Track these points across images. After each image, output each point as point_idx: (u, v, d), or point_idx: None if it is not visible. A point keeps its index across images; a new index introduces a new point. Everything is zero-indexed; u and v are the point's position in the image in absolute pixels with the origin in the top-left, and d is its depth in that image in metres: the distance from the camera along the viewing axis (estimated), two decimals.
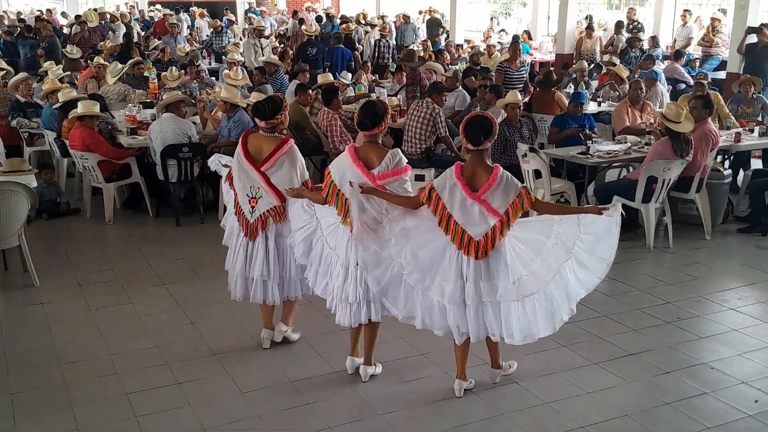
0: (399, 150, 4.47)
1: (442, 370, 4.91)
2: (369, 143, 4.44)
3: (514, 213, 4.17)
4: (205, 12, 22.39)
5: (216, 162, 5.34)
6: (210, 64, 15.50)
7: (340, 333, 5.08)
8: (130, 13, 22.82)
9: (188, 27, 21.00)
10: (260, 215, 4.89)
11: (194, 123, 8.61)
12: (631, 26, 15.17)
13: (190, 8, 23.22)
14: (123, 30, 17.88)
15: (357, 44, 16.72)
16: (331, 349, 5.18)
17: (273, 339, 5.23)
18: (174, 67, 11.12)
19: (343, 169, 4.44)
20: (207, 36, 18.91)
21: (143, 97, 10.72)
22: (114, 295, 6.17)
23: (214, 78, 12.98)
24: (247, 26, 20.34)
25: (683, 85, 12.90)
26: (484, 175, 4.19)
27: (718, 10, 16.05)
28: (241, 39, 17.30)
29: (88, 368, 4.97)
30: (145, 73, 11.95)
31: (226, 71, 11.15)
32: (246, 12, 24.50)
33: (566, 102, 9.09)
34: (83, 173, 8.19)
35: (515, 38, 9.57)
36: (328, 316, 4.91)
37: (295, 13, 19.70)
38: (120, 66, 10.98)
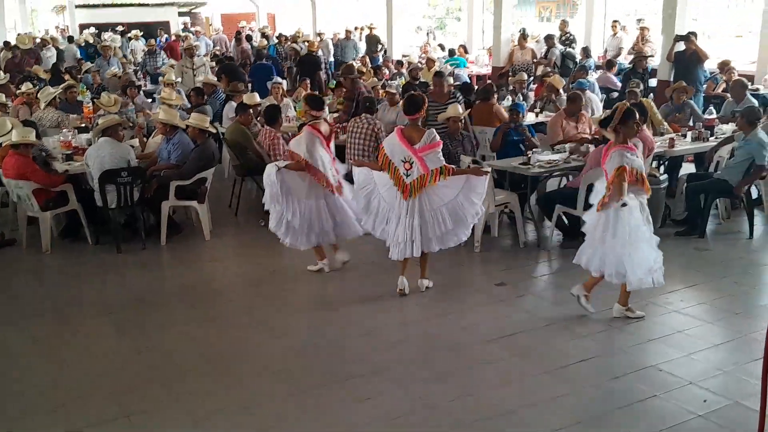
0: (434, 130, 6.13)
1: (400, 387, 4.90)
2: (411, 125, 6.10)
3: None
4: (139, 34, 22.09)
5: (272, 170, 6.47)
6: (145, 86, 15.25)
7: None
8: (61, 36, 22.36)
9: (120, 49, 20.65)
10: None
11: (132, 146, 8.45)
12: (563, 38, 15.51)
13: (116, 29, 22.90)
14: (54, 54, 17.47)
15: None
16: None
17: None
18: (106, 92, 10.89)
19: (393, 145, 6.07)
20: (141, 58, 18.64)
21: (78, 122, 10.48)
22: (56, 327, 5.99)
23: (150, 100, 12.79)
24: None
25: (616, 94, 13.24)
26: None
27: (637, 20, 16.53)
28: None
29: (32, 403, 4.80)
30: (79, 98, 11.71)
31: (163, 93, 10.99)
32: (174, 34, 24.25)
33: (505, 114, 9.22)
34: (17, 203, 7.93)
35: (438, 73, 9.50)
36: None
37: (238, 34, 19.58)
38: (51, 90, 10.70)
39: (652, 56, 12.29)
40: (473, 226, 6.62)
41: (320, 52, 17.28)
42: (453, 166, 6.29)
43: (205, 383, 5.02)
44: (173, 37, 18.83)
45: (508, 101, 10.82)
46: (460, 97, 9.37)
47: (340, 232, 6.81)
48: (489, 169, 6.52)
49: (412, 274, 6.41)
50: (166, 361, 5.36)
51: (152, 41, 18.94)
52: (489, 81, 14.42)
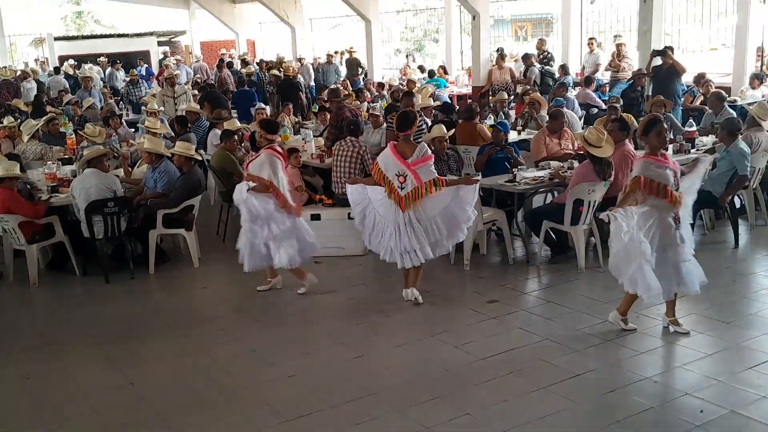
0: (425, 144, 6.66)
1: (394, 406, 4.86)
2: (404, 140, 6.39)
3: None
4: (119, 64, 22.06)
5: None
6: (127, 115, 15.21)
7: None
8: (42, 69, 22.30)
9: (102, 80, 20.62)
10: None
11: (117, 176, 8.41)
12: (541, 56, 15.65)
13: (98, 60, 22.86)
14: (35, 86, 17.41)
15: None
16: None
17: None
18: (89, 123, 10.83)
19: (387, 159, 6.35)
20: (122, 88, 18.62)
21: (61, 154, 10.43)
22: (45, 362, 5.88)
23: (133, 130, 12.75)
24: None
25: (596, 110, 13.36)
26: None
27: (614, 36, 16.70)
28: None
29: None
30: (62, 129, 11.65)
31: (147, 122, 10.96)
32: (160, 61, 24.25)
33: (488, 133, 9.26)
34: (3, 236, 7.84)
35: (409, 94, 9.60)
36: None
37: (220, 62, 19.64)
38: (33, 123, 10.65)
39: (645, 74, 12.28)
40: (463, 242, 7.03)
41: (300, 77, 17.35)
42: (445, 178, 6.56)
43: (199, 415, 4.95)
44: (164, 66, 18.88)
45: (490, 120, 10.89)
46: (425, 125, 9.53)
47: (302, 254, 6.86)
48: (479, 178, 6.91)
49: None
50: (159, 393, 5.29)
51: (134, 71, 18.90)
52: (470, 101, 14.53)
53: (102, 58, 22.75)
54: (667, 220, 5.51)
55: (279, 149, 6.90)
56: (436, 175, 6.37)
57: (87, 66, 21.45)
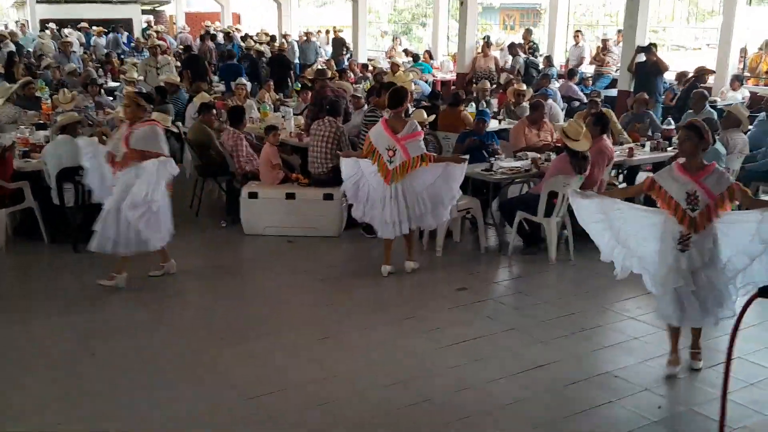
0: (415, 120, 6.84)
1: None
2: (395, 116, 6.64)
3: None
4: (103, 30, 21.77)
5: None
6: (106, 83, 15.01)
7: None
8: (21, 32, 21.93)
9: (81, 45, 20.34)
10: None
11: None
12: (527, 47, 15.66)
13: (78, 25, 22.53)
14: (13, 48, 17.11)
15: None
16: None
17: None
18: (65, 89, 10.68)
19: (378, 134, 6.57)
20: (103, 55, 18.38)
21: (35, 119, 10.28)
22: (9, 329, 5.82)
23: (111, 98, 12.59)
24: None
25: (577, 103, 13.39)
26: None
27: (602, 35, 16.76)
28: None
29: None
30: (37, 93, 11.47)
31: (125, 91, 10.82)
32: (143, 31, 23.94)
33: (471, 120, 9.27)
34: None
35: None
36: None
37: (206, 33, 19.40)
38: (8, 86, 10.49)
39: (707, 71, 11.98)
40: (437, 229, 7.27)
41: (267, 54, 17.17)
42: (433, 154, 6.82)
43: (159, 390, 4.94)
44: (147, 36, 18.65)
45: (471, 107, 10.87)
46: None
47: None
48: (467, 157, 6.96)
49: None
50: (120, 365, 5.26)
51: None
52: (453, 87, 14.52)
53: (83, 24, 22.41)
54: (673, 232, 4.90)
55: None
56: (425, 151, 6.62)
57: (67, 30, 21.17)
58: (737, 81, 12.78)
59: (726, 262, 4.89)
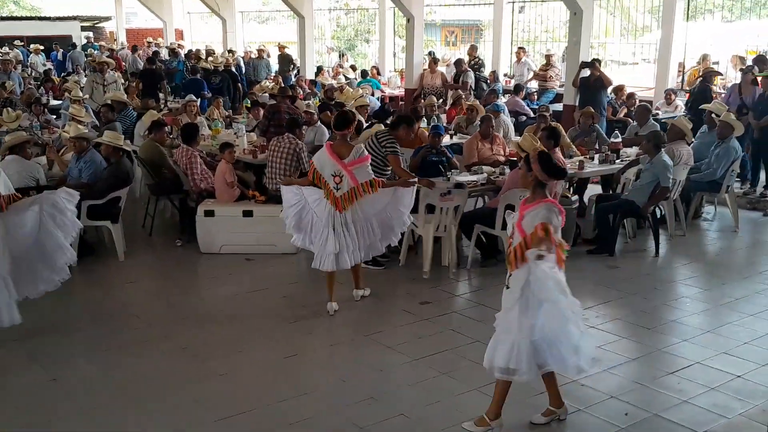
0: (362, 145, 6.48)
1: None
2: (341, 141, 6.25)
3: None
4: (40, 47, 21.29)
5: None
6: (48, 101, 14.65)
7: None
8: None
9: (19, 62, 19.83)
10: None
11: (39, 164, 8.11)
12: (472, 63, 15.88)
13: (13, 42, 22.01)
14: None
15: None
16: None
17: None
18: (9, 108, 10.40)
19: (323, 159, 6.20)
20: (40, 73, 17.97)
21: None
22: None
23: (54, 116, 12.30)
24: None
25: (524, 117, 13.66)
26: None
27: (546, 50, 17.15)
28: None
29: None
30: None
31: (72, 109, 10.59)
32: (84, 47, 23.49)
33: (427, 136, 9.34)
34: None
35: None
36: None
37: (155, 54, 19.10)
38: None
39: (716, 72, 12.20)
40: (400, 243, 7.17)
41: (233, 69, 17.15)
42: (382, 179, 6.47)
43: (126, 412, 4.83)
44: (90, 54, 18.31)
45: (423, 123, 10.96)
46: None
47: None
48: (416, 179, 6.73)
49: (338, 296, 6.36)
50: (85, 390, 5.14)
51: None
52: (402, 103, 14.64)
53: (17, 41, 21.88)
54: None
55: None
56: (373, 176, 6.29)
57: (4, 48, 20.63)
58: (672, 94, 13.18)
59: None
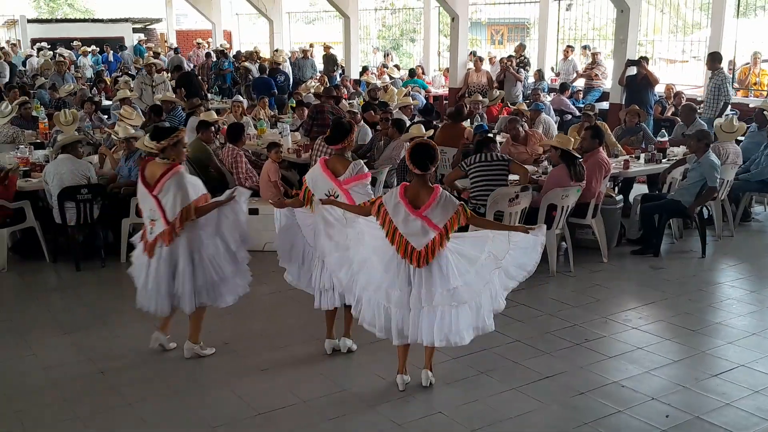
0: (361, 161, 5.38)
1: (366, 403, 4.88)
2: (336, 155, 5.29)
3: (451, 226, 4.72)
4: (88, 49, 21.80)
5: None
6: (101, 102, 14.99)
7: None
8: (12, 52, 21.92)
9: (72, 64, 20.35)
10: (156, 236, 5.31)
11: (91, 163, 8.32)
12: (518, 61, 15.78)
13: (72, 43, 22.57)
14: (7, 69, 17.13)
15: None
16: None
17: (162, 344, 5.65)
18: (67, 110, 10.69)
19: (315, 177, 5.23)
20: (90, 74, 18.43)
21: (33, 138, 10.28)
22: (14, 348, 5.80)
23: (106, 116, 12.59)
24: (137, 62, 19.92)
25: (569, 116, 13.52)
26: (426, 195, 4.73)
27: (588, 47, 16.95)
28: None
29: None
30: (34, 113, 11.48)
31: (121, 110, 10.83)
32: (136, 48, 23.99)
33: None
34: None
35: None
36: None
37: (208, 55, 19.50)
38: (9, 107, 10.50)
39: None
40: None
41: (287, 70, 17.41)
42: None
43: (169, 406, 4.95)
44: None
45: (465, 122, 10.94)
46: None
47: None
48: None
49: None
50: (130, 382, 5.26)
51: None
52: (446, 102, 14.62)
53: (76, 42, 22.43)
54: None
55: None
56: (373, 196, 5.20)
57: (58, 50, 21.20)
58: None
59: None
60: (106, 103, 14.89)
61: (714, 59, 11.73)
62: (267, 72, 16.47)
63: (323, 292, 5.36)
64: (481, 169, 7.29)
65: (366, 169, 5.29)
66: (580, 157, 7.48)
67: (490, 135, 7.49)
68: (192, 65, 21.01)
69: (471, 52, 16.75)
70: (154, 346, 5.62)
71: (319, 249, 5.24)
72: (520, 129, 9.20)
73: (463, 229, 5.00)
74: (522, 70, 15.69)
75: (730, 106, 12.52)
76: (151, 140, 5.32)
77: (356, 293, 5.00)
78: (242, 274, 5.56)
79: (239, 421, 4.72)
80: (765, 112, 9.54)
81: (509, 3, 24.70)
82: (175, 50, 22.85)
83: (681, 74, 17.57)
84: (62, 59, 17.10)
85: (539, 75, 15.80)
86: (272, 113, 12.92)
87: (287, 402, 4.92)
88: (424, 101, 14.77)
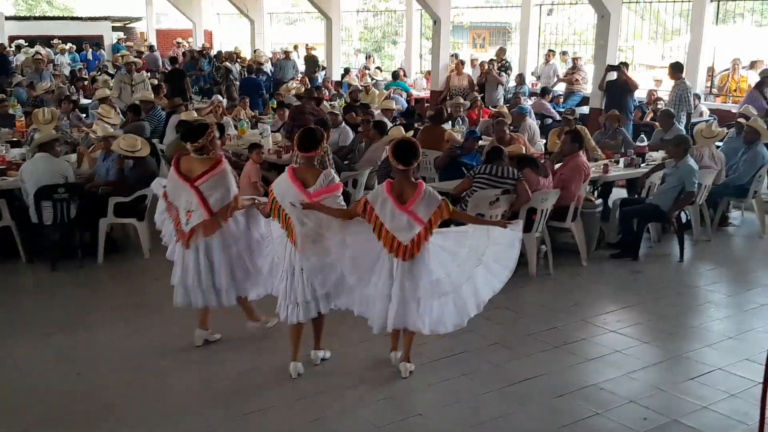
0: (332, 170, 5.16)
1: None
2: (305, 165, 5.04)
3: (435, 220, 4.88)
4: (66, 47, 21.61)
5: (157, 184, 5.89)
6: (79, 100, 14.86)
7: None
8: None
9: (50, 62, 20.15)
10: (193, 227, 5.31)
11: (69, 162, 8.24)
12: (500, 65, 15.86)
13: (52, 41, 22.37)
14: None
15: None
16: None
17: (207, 339, 5.76)
18: (45, 108, 10.58)
19: (283, 188, 4.96)
20: (68, 73, 18.26)
21: (9, 136, 10.16)
22: None
23: (84, 114, 12.48)
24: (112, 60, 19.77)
25: (550, 120, 13.59)
26: (411, 190, 4.87)
27: (567, 52, 17.10)
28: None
29: None
30: (11, 111, 11.36)
31: (99, 109, 10.73)
32: (115, 47, 23.82)
33: (457, 138, 9.36)
34: None
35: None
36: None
37: (152, 48, 19.35)
38: None
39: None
40: None
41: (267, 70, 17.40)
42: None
43: (147, 408, 4.91)
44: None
45: (447, 125, 10.97)
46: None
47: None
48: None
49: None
50: (109, 383, 5.22)
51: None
52: (428, 105, 14.65)
53: (55, 41, 22.23)
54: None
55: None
56: (345, 208, 5.09)
57: (36, 47, 20.98)
58: (696, 98, 13.00)
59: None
60: (84, 101, 14.77)
61: (675, 69, 11.94)
62: (255, 72, 16.45)
63: (295, 304, 5.04)
64: (485, 181, 7.21)
65: (337, 180, 5.03)
66: (533, 157, 7.73)
67: (500, 147, 7.43)
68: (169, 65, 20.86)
69: (453, 55, 16.81)
70: (199, 343, 5.70)
71: (298, 258, 4.98)
72: (507, 132, 9.22)
73: (445, 224, 5.16)
74: (503, 73, 15.80)
75: (708, 112, 12.70)
76: (186, 142, 5.38)
77: (341, 293, 5.12)
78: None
79: (217, 426, 4.69)
80: (739, 120, 9.66)
81: (491, 7, 24.86)
82: (150, 48, 22.72)
83: (662, 80, 17.71)
84: (40, 57, 16.91)
85: (520, 79, 15.89)
86: (253, 114, 12.86)
87: (265, 405, 4.90)
88: (406, 104, 14.79)
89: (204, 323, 5.74)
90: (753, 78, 13.16)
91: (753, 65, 13.99)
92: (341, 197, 5.06)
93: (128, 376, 5.33)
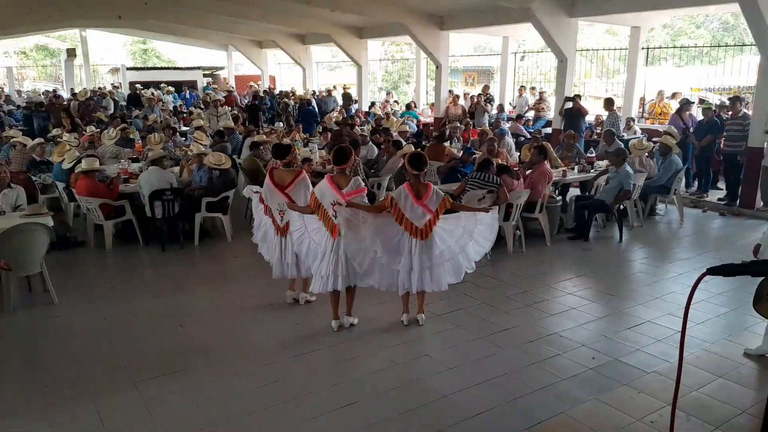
0: (359, 178, 5.20)
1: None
2: (339, 173, 5.09)
3: (441, 210, 5.07)
4: (170, 89, 21.73)
5: (248, 190, 5.98)
6: (180, 128, 14.97)
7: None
8: (116, 89, 21.88)
9: (159, 100, 20.29)
10: (287, 222, 5.48)
11: (173, 172, 8.31)
12: (484, 98, 15.71)
13: (160, 85, 22.52)
14: (112, 104, 17.10)
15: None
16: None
17: (295, 298, 5.80)
18: (156, 133, 10.67)
19: (323, 190, 5.07)
20: (171, 108, 18.38)
21: (131, 154, 10.27)
22: (118, 307, 5.83)
23: (183, 138, 12.56)
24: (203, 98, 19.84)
25: (522, 138, 13.43)
26: (424, 189, 5.07)
27: (536, 87, 16.87)
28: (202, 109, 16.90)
29: (101, 365, 4.67)
30: (131, 136, 11.48)
31: (195, 134, 10.81)
32: (205, 88, 23.93)
33: (455, 152, 9.33)
34: (87, 214, 7.72)
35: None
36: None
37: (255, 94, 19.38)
38: (114, 132, 10.52)
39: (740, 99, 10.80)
40: None
41: (313, 104, 17.37)
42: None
43: (231, 353, 4.94)
44: (207, 94, 18.85)
45: (448, 143, 10.90)
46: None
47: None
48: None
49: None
50: (203, 333, 5.27)
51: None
52: (432, 129, 14.56)
53: (163, 84, 22.38)
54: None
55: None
56: (369, 204, 5.20)
57: (150, 89, 21.15)
58: (632, 121, 12.80)
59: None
60: (183, 128, 14.87)
61: (608, 103, 11.91)
62: (310, 105, 16.48)
63: (320, 278, 5.07)
64: (476, 184, 7.19)
65: (363, 185, 5.09)
66: (509, 166, 7.67)
67: (490, 159, 7.37)
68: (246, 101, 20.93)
69: (450, 91, 16.69)
70: (289, 301, 5.79)
71: (342, 244, 4.99)
72: (495, 147, 9.21)
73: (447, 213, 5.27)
74: (488, 104, 15.65)
75: (640, 131, 12.50)
76: (277, 158, 5.65)
77: (374, 270, 5.09)
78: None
79: (291, 358, 4.71)
80: (666, 136, 9.49)
81: (479, 55, 24.59)
82: (230, 90, 22.79)
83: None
84: (151, 96, 17.03)
85: (500, 108, 15.72)
86: (305, 136, 12.87)
87: (315, 348, 4.92)
88: (416, 128, 14.72)
89: (292, 286, 5.84)
90: (674, 105, 12.93)
91: (674, 95, 13.77)
92: (366, 197, 5.16)
93: (217, 327, 5.38)
